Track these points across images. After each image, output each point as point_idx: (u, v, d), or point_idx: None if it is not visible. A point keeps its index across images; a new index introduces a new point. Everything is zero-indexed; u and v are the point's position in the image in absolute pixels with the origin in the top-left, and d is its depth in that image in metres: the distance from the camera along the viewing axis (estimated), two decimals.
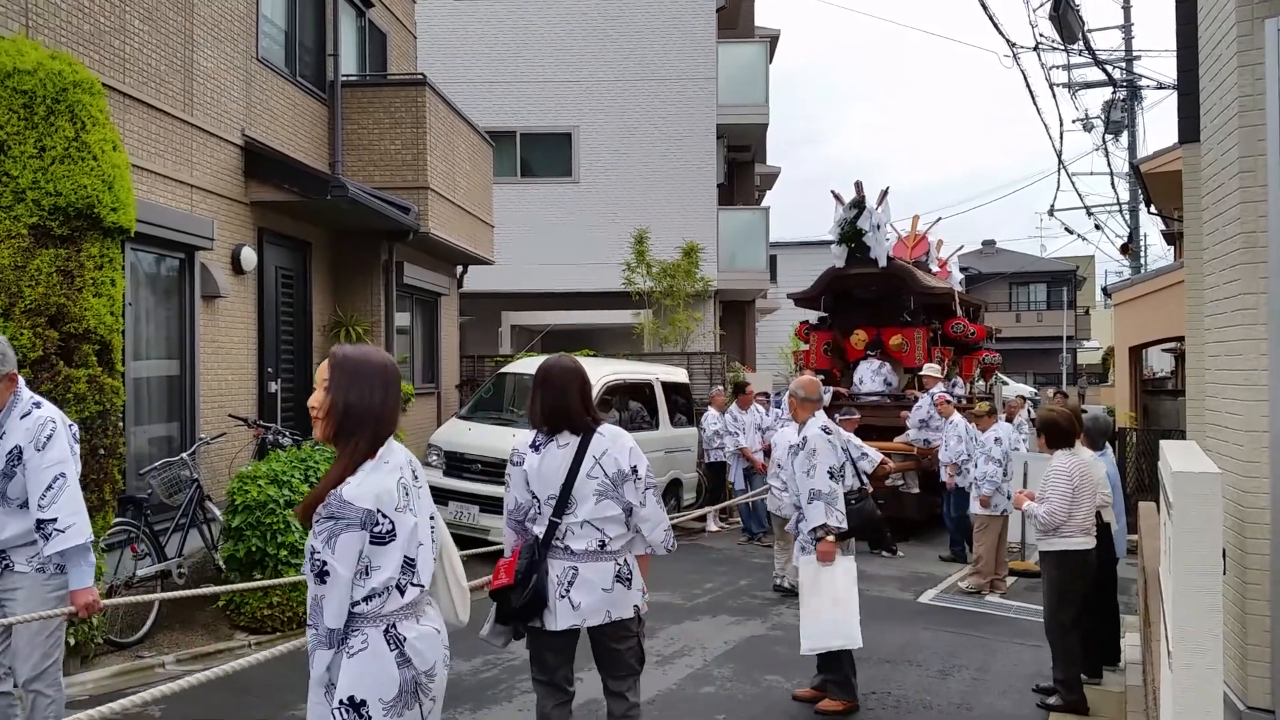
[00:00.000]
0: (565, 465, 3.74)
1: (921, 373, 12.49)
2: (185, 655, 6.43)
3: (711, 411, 12.51)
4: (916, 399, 12.50)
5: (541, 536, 3.74)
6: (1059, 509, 5.74)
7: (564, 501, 3.73)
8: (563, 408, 3.79)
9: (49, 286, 5.57)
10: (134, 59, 7.78)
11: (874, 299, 13.62)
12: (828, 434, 5.80)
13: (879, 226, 13.21)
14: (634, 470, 3.79)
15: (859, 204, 13.33)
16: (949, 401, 11.37)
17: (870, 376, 13.32)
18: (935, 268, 14.93)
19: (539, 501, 3.77)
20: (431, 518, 2.92)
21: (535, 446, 3.80)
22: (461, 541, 8.90)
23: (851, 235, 13.29)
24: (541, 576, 3.70)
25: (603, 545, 3.75)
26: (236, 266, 9.25)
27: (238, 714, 5.53)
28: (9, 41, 5.84)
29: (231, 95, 9.27)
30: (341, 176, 10.33)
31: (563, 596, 3.70)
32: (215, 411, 8.84)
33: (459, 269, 14.94)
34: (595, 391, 11.01)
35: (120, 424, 6.13)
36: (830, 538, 5.61)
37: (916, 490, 11.94)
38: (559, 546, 3.74)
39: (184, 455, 7.71)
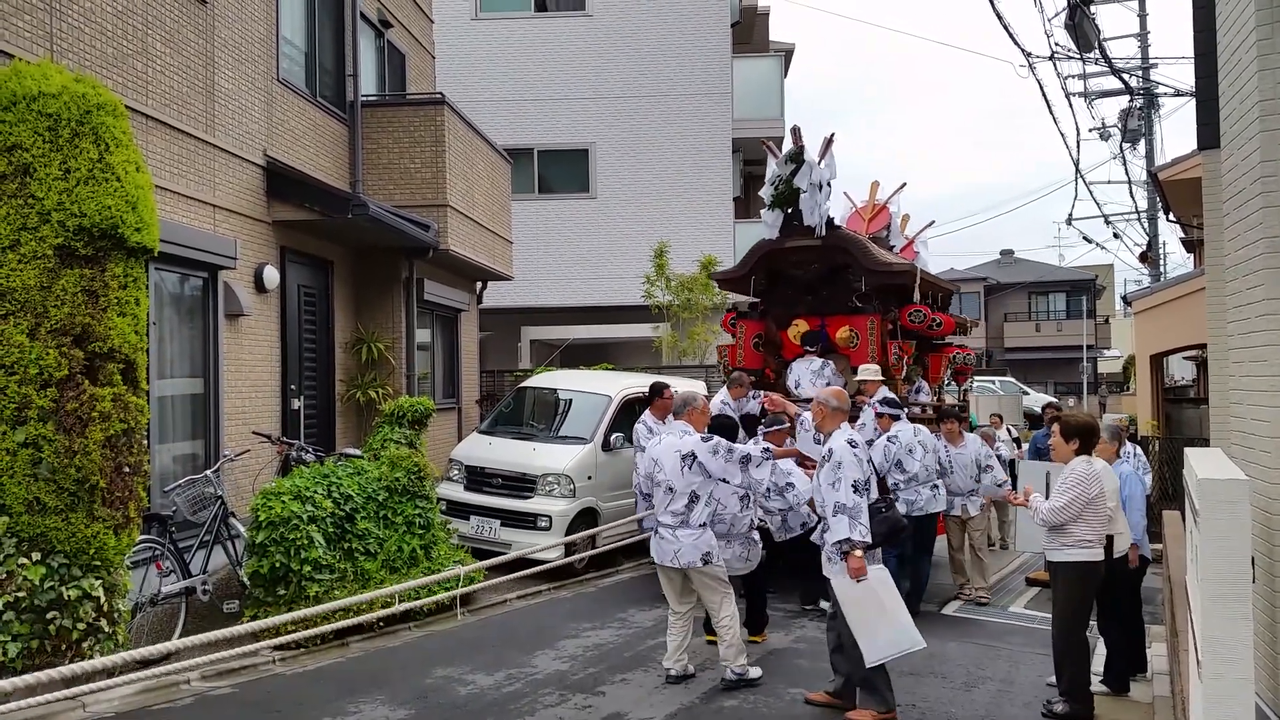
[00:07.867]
0: None
1: (858, 376, 9.44)
2: (210, 671, 6.45)
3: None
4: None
5: None
6: (1064, 511, 5.69)
7: None
8: None
9: (74, 306, 5.64)
10: (156, 81, 7.88)
11: (816, 280, 10.70)
12: (853, 446, 5.80)
13: (821, 186, 10.15)
14: None
15: (796, 156, 10.26)
16: (885, 415, 8.88)
17: (810, 379, 10.03)
18: (897, 243, 12.06)
19: None
20: None
21: None
22: (482, 556, 8.94)
23: (788, 197, 10.31)
24: None
25: None
26: (259, 285, 9.33)
27: None
28: (34, 66, 5.92)
29: (253, 116, 9.37)
30: (362, 195, 10.42)
31: None
32: (239, 429, 8.91)
33: (478, 285, 15.02)
34: (613, 405, 11.18)
35: (145, 442, 6.18)
36: (857, 553, 5.60)
37: None
38: None
39: (208, 472, 7.77)
